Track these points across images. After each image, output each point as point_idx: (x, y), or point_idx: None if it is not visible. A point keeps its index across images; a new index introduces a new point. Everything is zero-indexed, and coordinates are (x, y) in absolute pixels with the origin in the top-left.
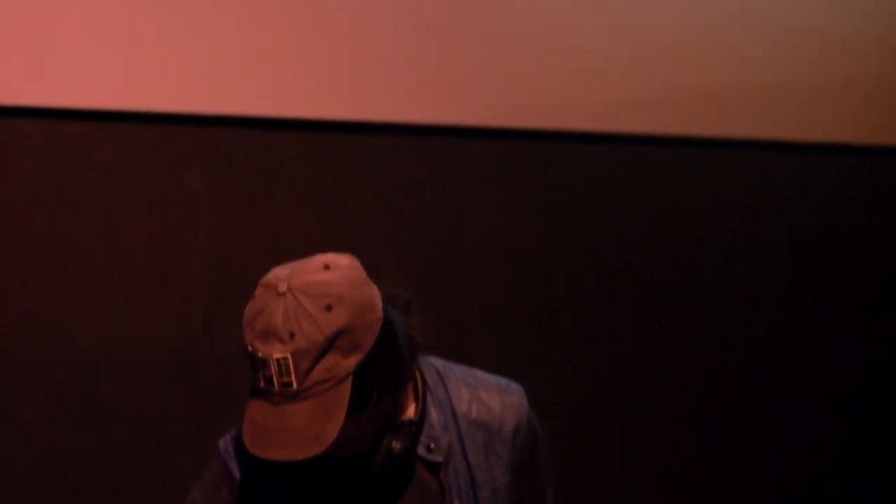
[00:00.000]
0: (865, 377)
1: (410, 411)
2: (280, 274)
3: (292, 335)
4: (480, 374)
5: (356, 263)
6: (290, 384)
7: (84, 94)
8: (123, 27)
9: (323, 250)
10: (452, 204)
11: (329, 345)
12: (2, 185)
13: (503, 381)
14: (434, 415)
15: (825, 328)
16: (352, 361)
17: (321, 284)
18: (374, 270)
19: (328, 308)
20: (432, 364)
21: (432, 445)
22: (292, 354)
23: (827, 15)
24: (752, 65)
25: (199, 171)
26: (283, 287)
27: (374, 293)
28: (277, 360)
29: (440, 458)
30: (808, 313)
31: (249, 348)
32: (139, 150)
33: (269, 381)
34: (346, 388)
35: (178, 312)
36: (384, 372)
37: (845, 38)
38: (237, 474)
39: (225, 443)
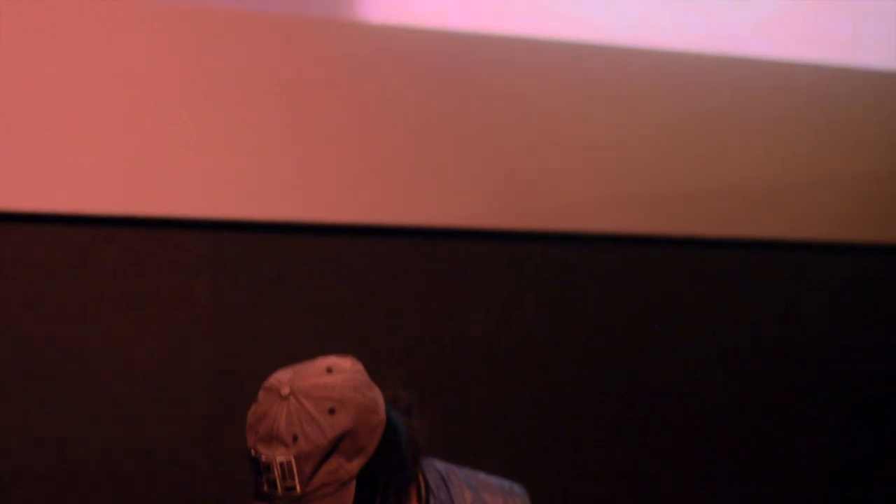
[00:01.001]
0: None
1: None
2: (282, 377)
3: (295, 439)
4: (483, 477)
5: (359, 366)
6: (294, 488)
7: (87, 199)
8: (128, 133)
9: (325, 353)
10: (454, 306)
11: (332, 448)
12: (5, 290)
13: (506, 482)
14: None
15: (827, 428)
16: (355, 465)
17: (324, 387)
18: (376, 373)
19: (331, 411)
20: (435, 466)
21: None
22: (296, 458)
23: (826, 114)
24: (751, 165)
25: (202, 277)
26: (285, 390)
27: (377, 396)
28: (281, 463)
29: None
30: (812, 418)
31: (252, 452)
32: (143, 256)
33: (272, 484)
34: (350, 492)
35: (180, 418)
36: (387, 475)
37: (845, 137)
38: None
39: None
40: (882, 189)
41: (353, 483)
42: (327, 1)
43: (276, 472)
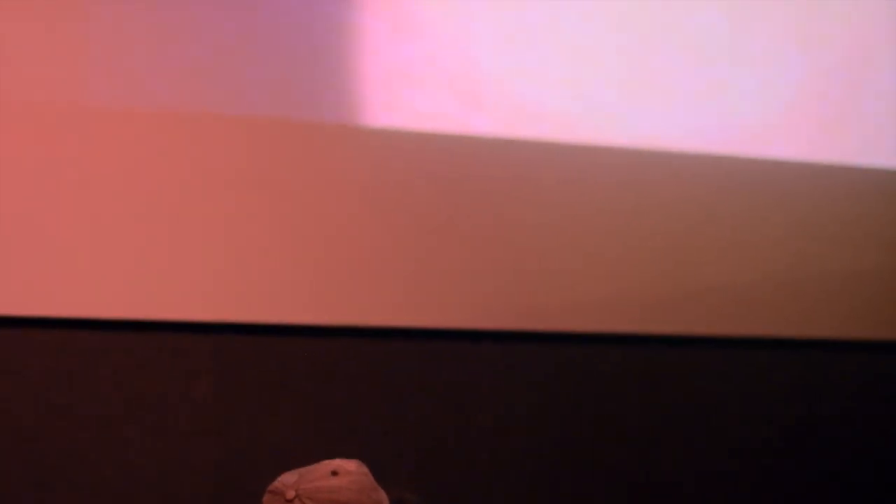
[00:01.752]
0: None
1: None
2: (287, 480)
3: None
4: None
5: (364, 469)
6: None
7: (88, 304)
8: (129, 237)
9: (330, 456)
10: (457, 407)
11: None
12: (7, 395)
13: None
14: None
15: None
16: None
17: (330, 490)
18: (381, 476)
19: None
20: None
21: None
22: None
23: (830, 212)
24: (755, 264)
25: (204, 380)
26: (290, 494)
27: (383, 498)
28: None
29: None
30: None
31: None
32: (144, 359)
33: None
34: None
35: None
36: None
37: (848, 235)
38: None
39: None
40: (887, 286)
41: None
42: (327, 105)
43: None
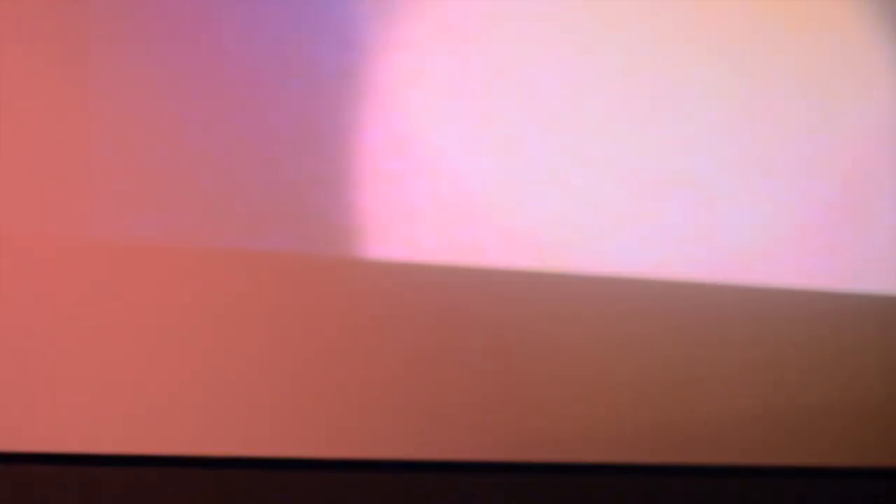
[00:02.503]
0: None
1: None
2: None
3: None
4: None
5: None
6: None
7: (85, 438)
8: (128, 371)
9: None
10: None
11: None
12: None
13: None
14: None
15: None
16: None
17: None
18: None
19: None
20: None
21: None
22: None
23: (830, 340)
24: (754, 392)
25: None
26: None
27: None
28: None
29: None
30: None
31: None
32: (145, 495)
33: None
34: None
35: None
36: None
37: (848, 362)
38: None
39: None
40: (886, 413)
41: None
42: (325, 238)
43: None
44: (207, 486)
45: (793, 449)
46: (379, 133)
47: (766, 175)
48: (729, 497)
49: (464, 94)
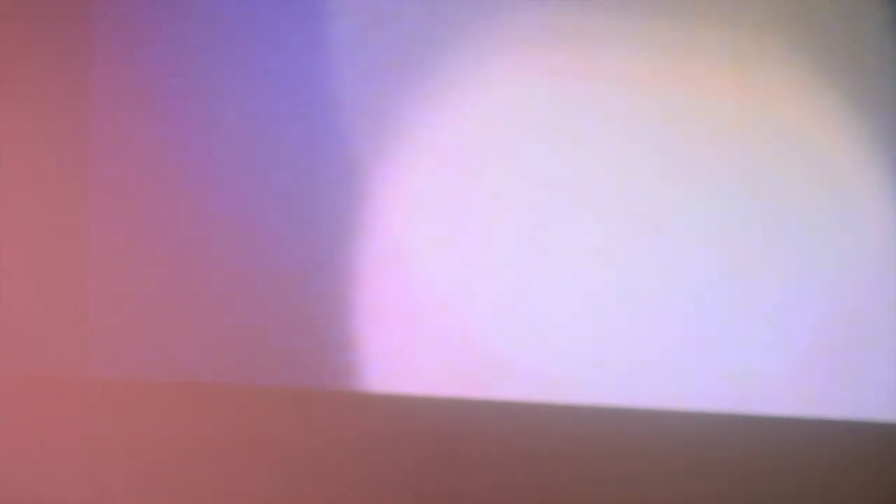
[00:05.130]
0: None
1: None
2: None
3: None
4: None
5: None
6: None
7: None
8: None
9: None
10: None
11: None
12: None
13: None
14: None
15: None
16: None
17: None
18: None
19: None
20: None
21: None
22: None
23: (833, 466)
24: None
25: None
26: None
27: None
28: None
29: None
30: None
31: None
32: None
33: None
34: None
35: None
36: None
37: (847, 490)
38: None
39: None
40: None
41: None
42: (324, 373)
43: None
44: None
45: None
46: (378, 266)
47: (766, 306)
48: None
49: (463, 227)
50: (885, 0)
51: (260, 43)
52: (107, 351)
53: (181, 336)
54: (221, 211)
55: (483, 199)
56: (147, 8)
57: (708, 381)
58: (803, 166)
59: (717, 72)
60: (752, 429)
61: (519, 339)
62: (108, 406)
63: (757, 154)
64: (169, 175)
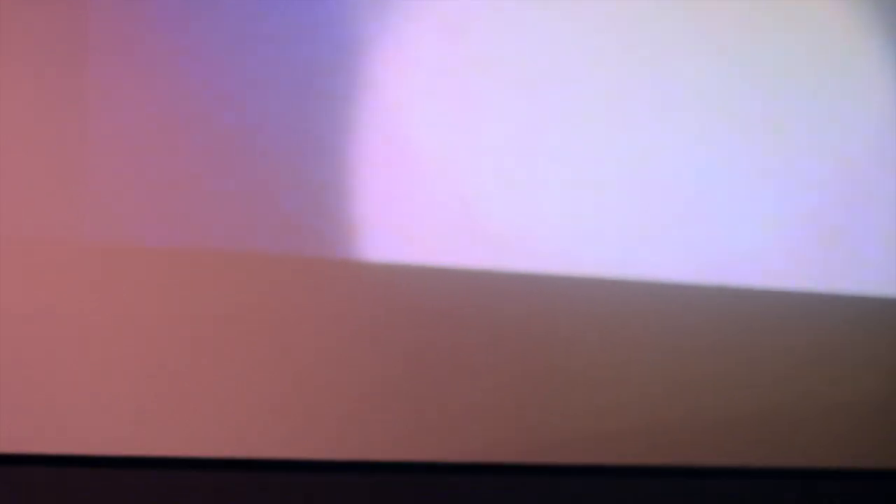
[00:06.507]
0: None
1: None
2: None
3: None
4: None
5: None
6: None
7: (86, 441)
8: (126, 374)
9: None
10: None
11: None
12: None
13: None
14: None
15: None
16: None
17: None
18: None
19: None
20: None
21: None
22: None
23: (825, 342)
24: (756, 393)
25: None
26: None
27: None
28: None
29: None
30: None
31: None
32: (143, 498)
33: None
34: None
35: None
36: None
37: (845, 364)
38: None
39: None
40: (882, 415)
41: None
42: (323, 240)
43: None
44: (204, 489)
45: (792, 450)
46: (375, 134)
47: (764, 177)
48: (729, 498)
49: (461, 94)
50: None
51: None
52: (103, 216)
53: (173, 202)
54: (217, 75)
55: (484, 67)
56: None
57: (707, 253)
58: (804, 32)
59: None
60: (748, 302)
61: (518, 209)
62: (106, 272)
63: (758, 22)
64: (171, 43)
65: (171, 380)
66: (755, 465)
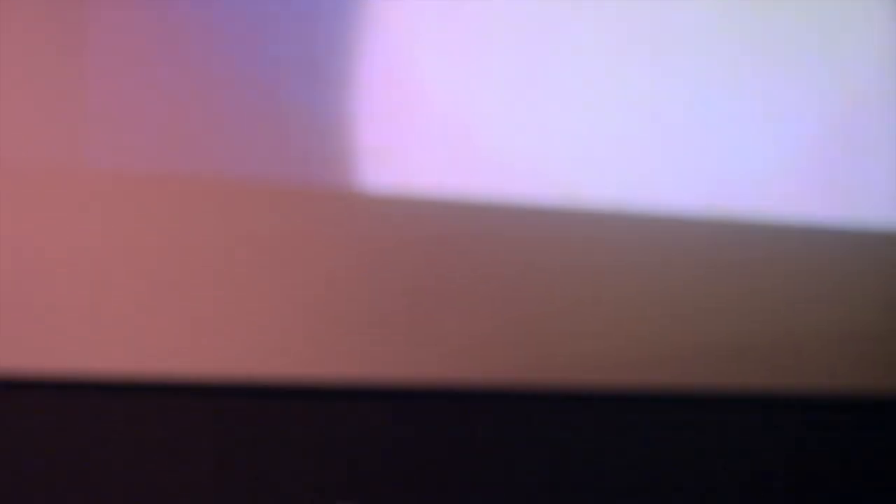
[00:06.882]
0: None
1: None
2: None
3: None
4: None
5: None
6: None
7: (84, 360)
8: (125, 298)
9: None
10: (458, 463)
11: None
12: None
13: None
14: None
15: None
16: None
17: None
18: None
19: None
20: None
21: None
22: None
23: (823, 271)
24: (750, 322)
25: (203, 438)
26: None
27: None
28: None
29: None
30: None
31: None
32: (142, 417)
33: None
34: None
35: None
36: None
37: (844, 294)
38: None
39: None
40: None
41: None
42: (325, 170)
43: None
44: (202, 411)
45: (792, 378)
46: (376, 65)
47: (767, 107)
48: (728, 423)
49: (464, 22)
50: None
51: None
52: (105, 144)
53: (175, 130)
54: (218, 7)
55: None
56: None
57: (708, 184)
58: None
59: None
60: (749, 233)
61: (519, 138)
62: (107, 199)
63: None
64: None
65: (169, 306)
66: (755, 392)
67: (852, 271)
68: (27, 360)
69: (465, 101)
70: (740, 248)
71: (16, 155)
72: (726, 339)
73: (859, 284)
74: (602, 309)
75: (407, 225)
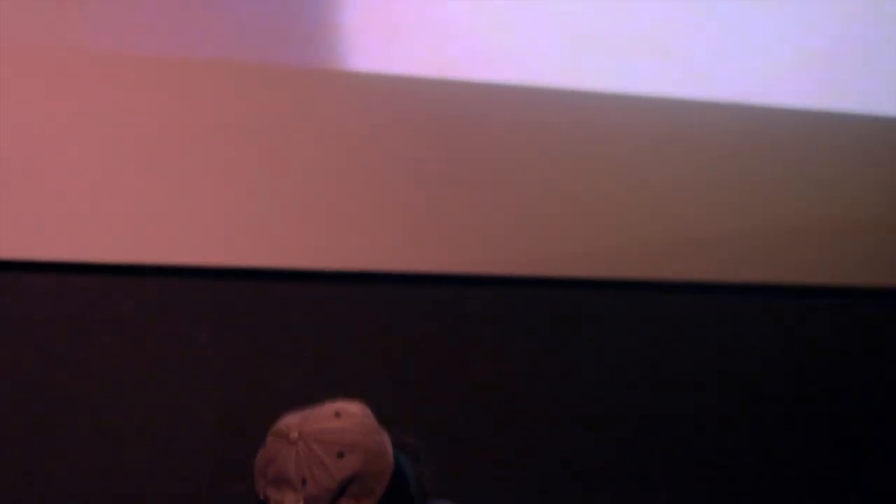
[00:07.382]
0: None
1: None
2: (291, 422)
3: (304, 482)
4: None
5: (367, 411)
6: None
7: (90, 247)
8: (129, 182)
9: (332, 399)
10: (457, 352)
11: (341, 491)
12: (8, 338)
13: None
14: None
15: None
16: None
17: (333, 432)
18: (381, 418)
19: (340, 455)
20: None
21: None
22: (305, 501)
23: (828, 158)
24: (753, 210)
25: (206, 324)
26: (294, 435)
27: (386, 440)
28: None
29: None
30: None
31: (261, 496)
32: (145, 304)
33: None
34: None
35: (186, 468)
36: None
37: (847, 183)
38: None
39: None
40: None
41: None
42: (324, 51)
43: None
44: (204, 297)
45: (795, 267)
46: None
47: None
48: (728, 314)
49: None
50: None
51: None
52: (99, 25)
53: (165, 12)
54: None
55: None
56: None
57: (713, 70)
58: None
59: None
60: (754, 119)
61: (508, 21)
62: (101, 80)
63: None
64: None
65: (169, 189)
66: (754, 282)
67: (856, 157)
68: (26, 244)
69: None
70: (746, 135)
71: (19, 35)
72: (730, 227)
73: (863, 171)
74: (602, 196)
75: (391, 105)
